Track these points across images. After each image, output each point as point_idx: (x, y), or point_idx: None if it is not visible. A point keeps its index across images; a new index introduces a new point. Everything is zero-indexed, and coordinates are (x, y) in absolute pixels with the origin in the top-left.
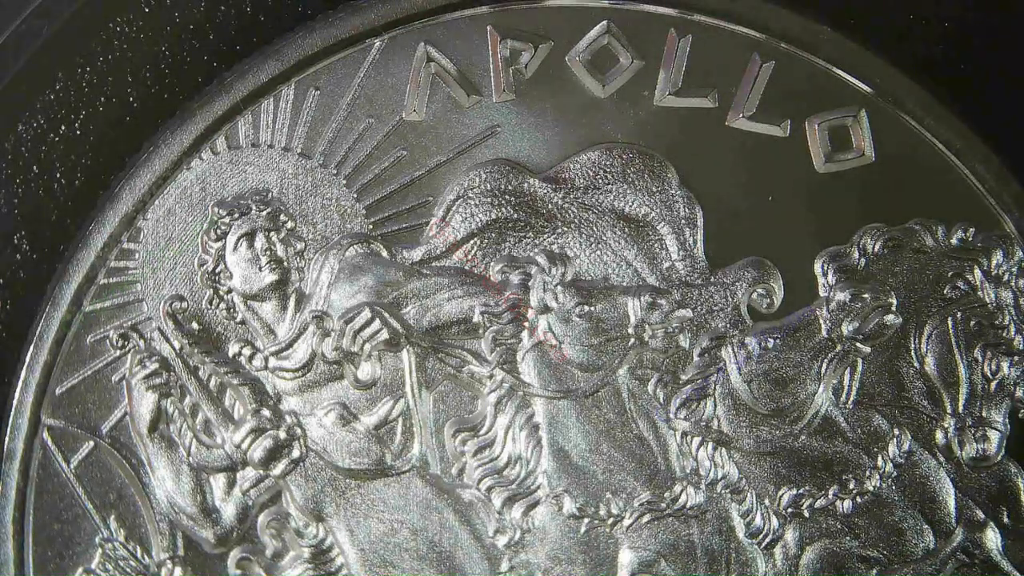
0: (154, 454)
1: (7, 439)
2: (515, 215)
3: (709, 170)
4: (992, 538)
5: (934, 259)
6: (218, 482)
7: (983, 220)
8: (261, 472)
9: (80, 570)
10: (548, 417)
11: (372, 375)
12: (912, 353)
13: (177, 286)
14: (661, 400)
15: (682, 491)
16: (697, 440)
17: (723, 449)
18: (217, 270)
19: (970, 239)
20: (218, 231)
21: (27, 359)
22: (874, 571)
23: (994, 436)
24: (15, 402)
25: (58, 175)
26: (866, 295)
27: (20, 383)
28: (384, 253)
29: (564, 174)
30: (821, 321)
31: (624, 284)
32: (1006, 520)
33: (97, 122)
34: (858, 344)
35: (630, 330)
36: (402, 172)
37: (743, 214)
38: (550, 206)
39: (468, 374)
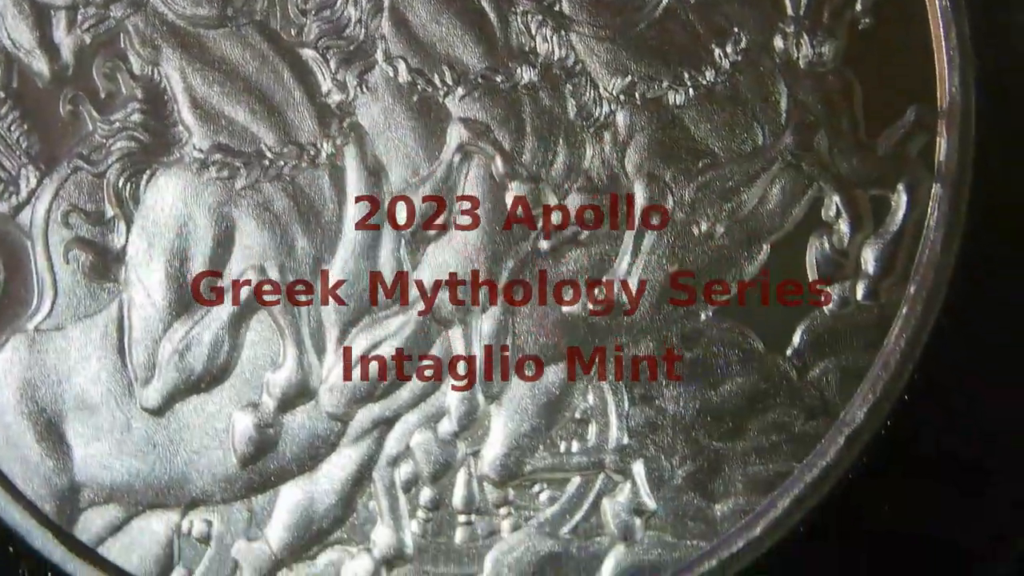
0: None
1: None
2: None
3: None
4: (820, 142)
5: None
6: (59, 19)
7: None
8: (102, 12)
9: None
10: None
11: None
12: None
13: None
14: None
15: (517, 68)
16: (538, 19)
17: (563, 31)
18: None
19: None
20: None
21: None
22: (700, 163)
23: (831, 42)
24: None
25: None
26: None
27: None
28: None
29: None
30: None
31: None
32: (840, 126)
33: None
34: None
35: None
36: None
37: None
38: None
39: None
